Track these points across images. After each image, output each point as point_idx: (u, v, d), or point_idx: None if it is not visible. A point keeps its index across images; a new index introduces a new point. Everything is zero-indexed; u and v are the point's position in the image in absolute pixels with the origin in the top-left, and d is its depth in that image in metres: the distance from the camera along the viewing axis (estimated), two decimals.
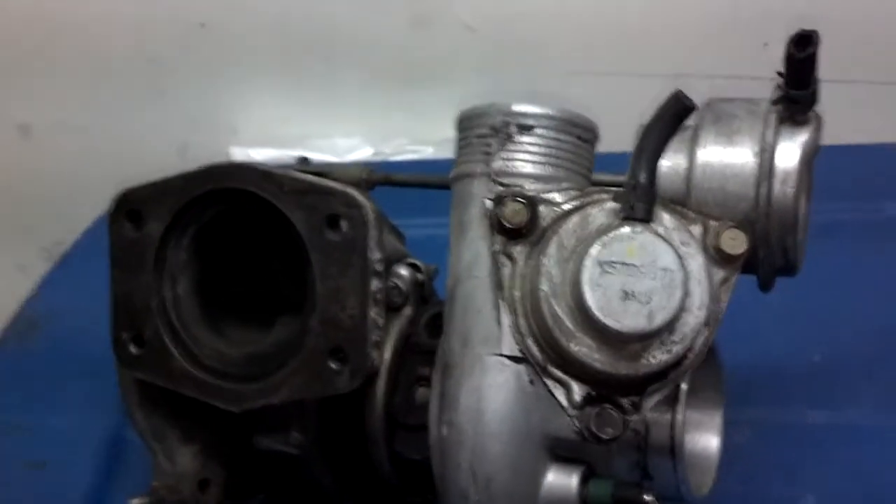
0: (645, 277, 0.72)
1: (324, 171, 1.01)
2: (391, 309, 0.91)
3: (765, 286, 0.87)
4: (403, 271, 0.93)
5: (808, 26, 0.79)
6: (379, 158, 1.69)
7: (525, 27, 1.64)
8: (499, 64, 1.64)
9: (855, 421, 1.11)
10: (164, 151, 1.72)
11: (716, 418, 0.95)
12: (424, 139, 1.69)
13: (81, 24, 1.73)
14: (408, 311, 0.92)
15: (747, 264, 0.80)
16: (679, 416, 0.83)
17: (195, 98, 1.77)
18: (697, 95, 0.84)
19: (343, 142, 1.71)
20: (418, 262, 0.96)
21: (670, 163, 0.83)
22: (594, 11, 1.63)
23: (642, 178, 0.75)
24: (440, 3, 1.66)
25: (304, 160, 1.09)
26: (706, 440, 0.95)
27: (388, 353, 0.89)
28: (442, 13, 1.66)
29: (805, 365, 1.18)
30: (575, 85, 1.60)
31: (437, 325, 0.88)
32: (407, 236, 1.02)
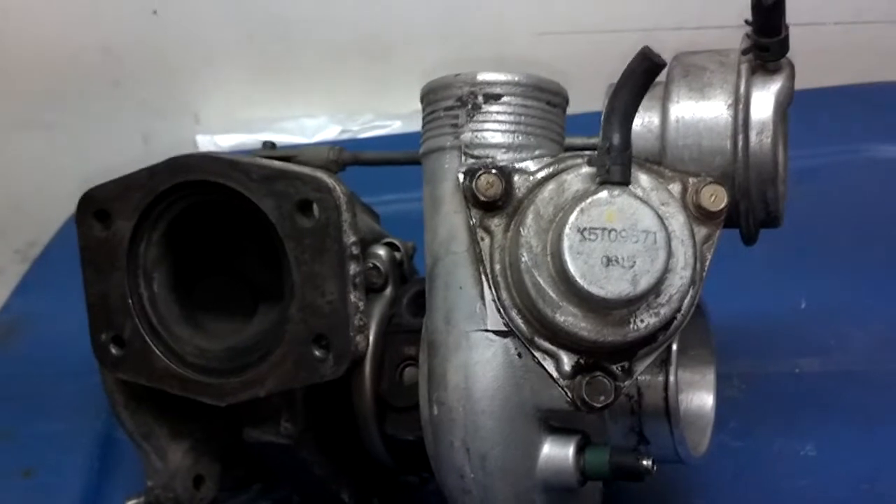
0: (626, 241, 0.71)
1: (291, 154, 1.00)
2: (371, 290, 0.90)
3: (748, 240, 0.86)
4: (381, 251, 0.92)
5: None
6: (347, 136, 1.68)
7: None
8: (462, 30, 1.62)
9: (847, 366, 1.12)
10: (128, 143, 1.72)
11: (708, 376, 0.95)
12: (391, 113, 1.67)
13: (33, 19, 1.71)
14: (388, 291, 0.92)
15: (729, 219, 0.79)
16: (671, 378, 0.83)
17: (154, 87, 1.76)
18: (666, 49, 0.83)
19: (310, 122, 1.70)
20: (396, 241, 0.95)
21: (643, 121, 0.82)
22: None
23: (616, 139, 0.73)
24: None
25: (270, 145, 1.07)
26: (700, 399, 0.94)
27: (371, 336, 0.88)
28: None
29: (792, 312, 1.18)
30: (542, 46, 1.59)
31: (419, 303, 0.88)
32: (380, 213, 1.01)
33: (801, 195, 1.14)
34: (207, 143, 1.69)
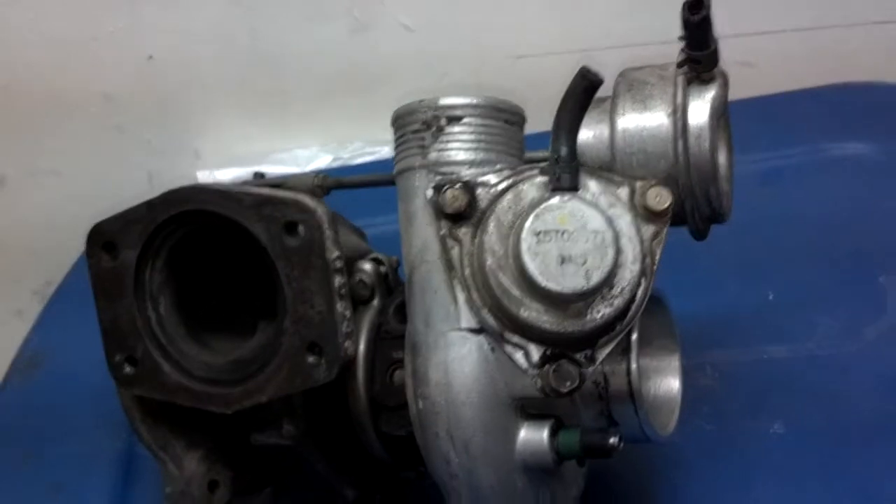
0: (578, 241, 0.79)
1: (279, 182, 1.07)
2: (360, 302, 0.97)
3: (698, 235, 0.93)
4: (367, 266, 0.99)
5: None
6: (339, 164, 1.74)
7: (460, 21, 1.70)
8: (442, 57, 1.69)
9: (813, 351, 1.17)
10: (133, 184, 1.76)
11: (673, 362, 1.00)
12: (379, 140, 1.73)
13: (38, 71, 1.77)
14: (376, 302, 0.98)
15: (678, 217, 0.87)
16: (633, 365, 0.89)
17: (154, 129, 1.81)
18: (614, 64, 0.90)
19: (302, 152, 1.76)
20: (380, 256, 1.01)
21: (594, 133, 0.89)
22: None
23: (563, 151, 0.81)
24: (376, 9, 1.70)
25: (259, 175, 1.15)
26: (667, 383, 1.00)
27: (362, 344, 0.94)
28: (379, 18, 1.71)
29: (761, 305, 1.24)
30: (518, 67, 1.66)
31: (404, 311, 0.93)
32: (373, 234, 1.08)
33: (768, 195, 1.21)
34: (207, 177, 1.75)
